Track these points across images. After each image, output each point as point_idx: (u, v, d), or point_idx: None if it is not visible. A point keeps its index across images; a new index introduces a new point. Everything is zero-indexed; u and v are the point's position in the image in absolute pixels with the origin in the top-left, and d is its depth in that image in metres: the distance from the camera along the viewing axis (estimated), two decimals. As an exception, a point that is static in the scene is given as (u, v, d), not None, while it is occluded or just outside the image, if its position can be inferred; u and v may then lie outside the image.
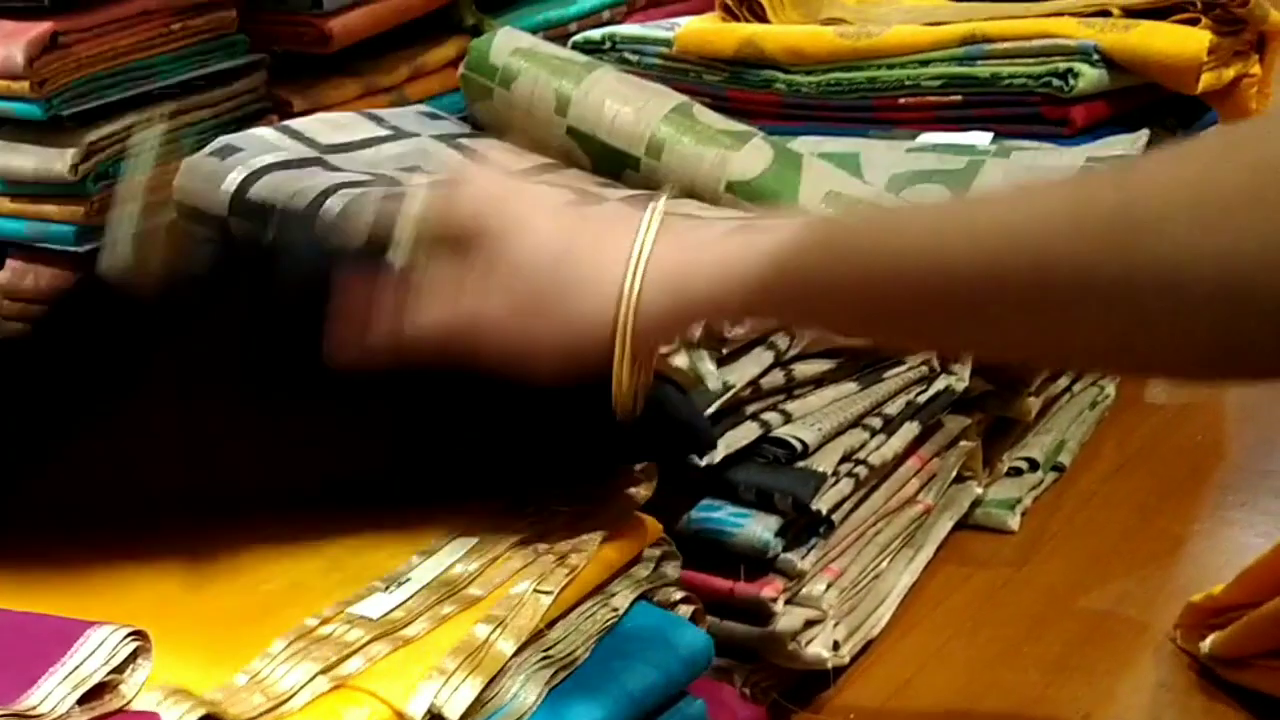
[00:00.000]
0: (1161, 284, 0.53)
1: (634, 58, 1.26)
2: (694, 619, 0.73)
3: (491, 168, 0.69)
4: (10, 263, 1.30)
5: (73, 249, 1.26)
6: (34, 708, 0.54)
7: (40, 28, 1.21)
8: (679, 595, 0.74)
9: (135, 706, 0.56)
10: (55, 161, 1.25)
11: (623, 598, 0.70)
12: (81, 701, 0.55)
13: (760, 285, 0.61)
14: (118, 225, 0.67)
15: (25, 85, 1.22)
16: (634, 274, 0.62)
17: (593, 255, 0.64)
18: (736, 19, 1.27)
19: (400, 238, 0.65)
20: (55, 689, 0.54)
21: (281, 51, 1.41)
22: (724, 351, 0.80)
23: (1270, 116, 0.55)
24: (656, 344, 0.66)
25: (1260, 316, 0.52)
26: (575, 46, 1.25)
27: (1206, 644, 0.83)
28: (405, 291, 0.64)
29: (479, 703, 0.60)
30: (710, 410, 0.79)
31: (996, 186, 0.62)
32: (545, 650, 0.65)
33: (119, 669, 0.56)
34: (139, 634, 0.57)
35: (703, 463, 0.79)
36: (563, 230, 0.65)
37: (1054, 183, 0.61)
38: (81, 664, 0.55)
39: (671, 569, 0.74)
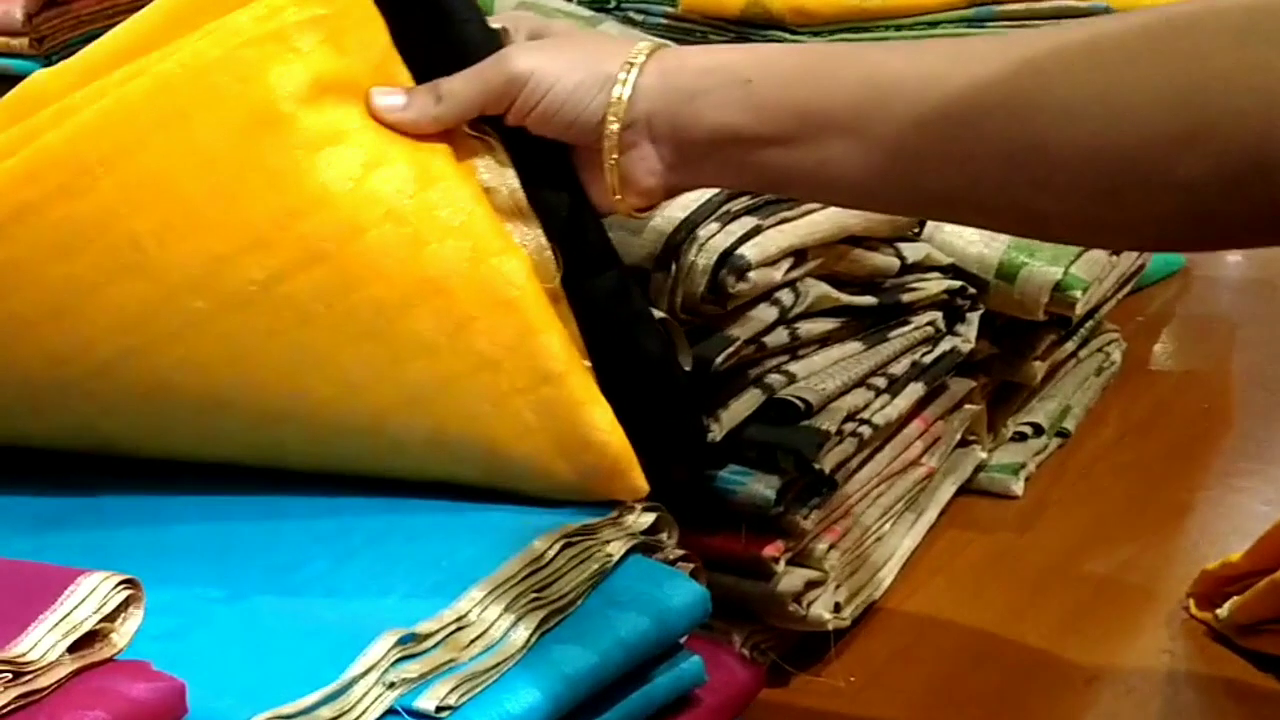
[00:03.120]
0: (1053, 112, 0.60)
1: (639, 17, 1.25)
2: (693, 576, 0.72)
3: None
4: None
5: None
6: (23, 654, 0.52)
7: (39, -17, 1.20)
8: (678, 553, 0.73)
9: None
10: (53, 118, 1.24)
11: (617, 545, 0.69)
12: (72, 650, 0.54)
13: (746, 65, 0.69)
14: None
15: (24, 42, 1.21)
16: (636, 54, 0.71)
17: (610, 39, 0.78)
18: (743, -21, 1.25)
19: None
20: (45, 636, 0.53)
21: (283, 10, 1.40)
22: (728, 308, 0.79)
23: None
24: (642, 131, 0.71)
25: (1130, 160, 0.58)
26: (581, 3, 1.24)
27: (1225, 610, 0.83)
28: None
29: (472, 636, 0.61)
30: (716, 364, 0.78)
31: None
32: (537, 591, 0.64)
33: (110, 617, 0.55)
34: (130, 582, 0.56)
35: (707, 439, 0.78)
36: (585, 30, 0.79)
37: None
38: (72, 611, 0.54)
39: (668, 534, 0.73)
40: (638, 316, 0.75)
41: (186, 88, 0.69)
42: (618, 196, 0.72)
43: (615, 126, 0.70)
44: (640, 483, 0.71)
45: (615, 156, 0.71)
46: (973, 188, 0.64)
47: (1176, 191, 0.58)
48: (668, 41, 0.76)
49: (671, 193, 0.74)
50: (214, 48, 0.69)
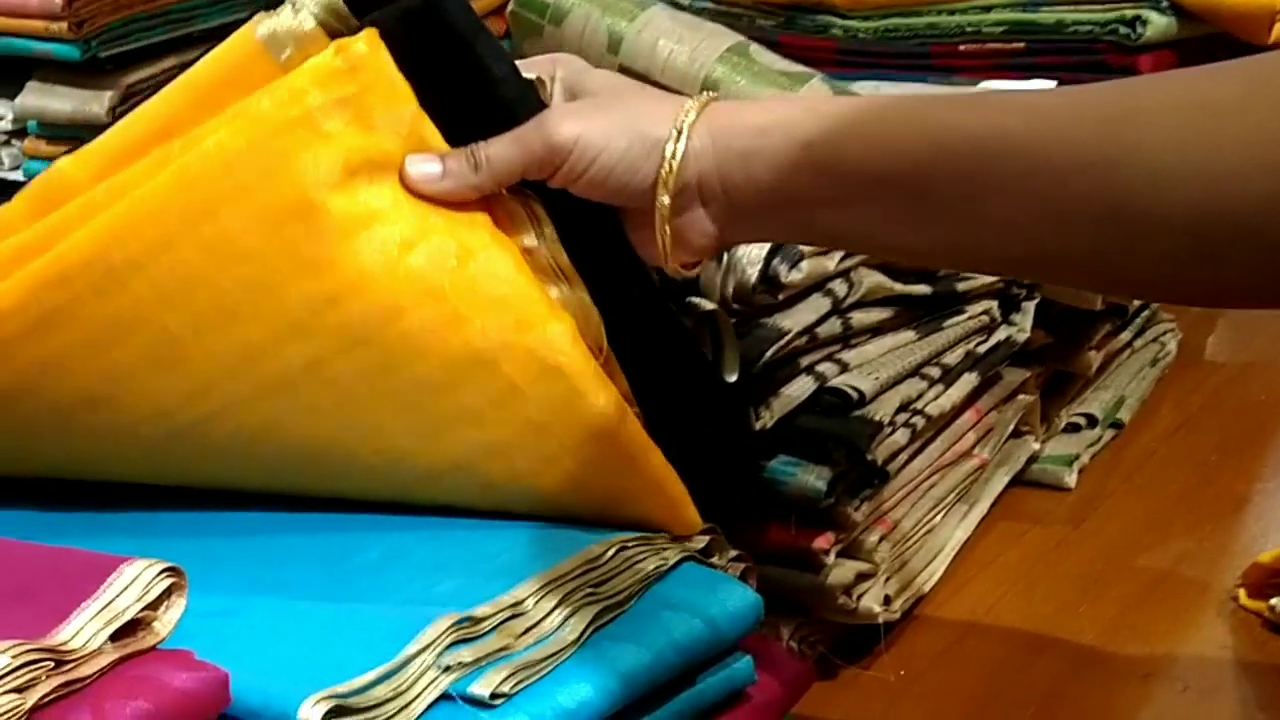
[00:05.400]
0: (1145, 174, 0.57)
1: (686, 1, 1.24)
2: (744, 577, 0.71)
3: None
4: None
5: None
6: (65, 643, 0.52)
7: (80, -32, 1.19)
8: (731, 553, 0.72)
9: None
10: (92, 104, 1.24)
11: (671, 553, 0.68)
12: (114, 638, 0.53)
13: (803, 125, 0.66)
14: None
15: (64, 26, 1.21)
16: (684, 115, 0.69)
17: (655, 97, 0.72)
18: (792, -38, 1.24)
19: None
20: (87, 624, 0.53)
21: (325, -5, 1.39)
22: (780, 298, 0.78)
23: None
24: (693, 196, 0.69)
25: (1230, 224, 0.56)
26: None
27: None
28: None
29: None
30: (766, 356, 0.76)
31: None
32: (593, 587, 0.64)
33: (153, 605, 0.54)
34: (173, 570, 0.55)
35: (757, 425, 0.77)
36: (627, 83, 0.75)
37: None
38: (114, 599, 0.54)
39: (720, 556, 0.72)
40: (691, 364, 0.74)
41: (212, 182, 0.68)
42: (669, 261, 0.70)
43: (666, 198, 0.68)
44: (694, 519, 0.70)
45: (668, 225, 0.69)
46: (1049, 249, 0.62)
47: (1275, 252, 0.56)
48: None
49: (723, 248, 0.73)
50: (237, 138, 0.68)
